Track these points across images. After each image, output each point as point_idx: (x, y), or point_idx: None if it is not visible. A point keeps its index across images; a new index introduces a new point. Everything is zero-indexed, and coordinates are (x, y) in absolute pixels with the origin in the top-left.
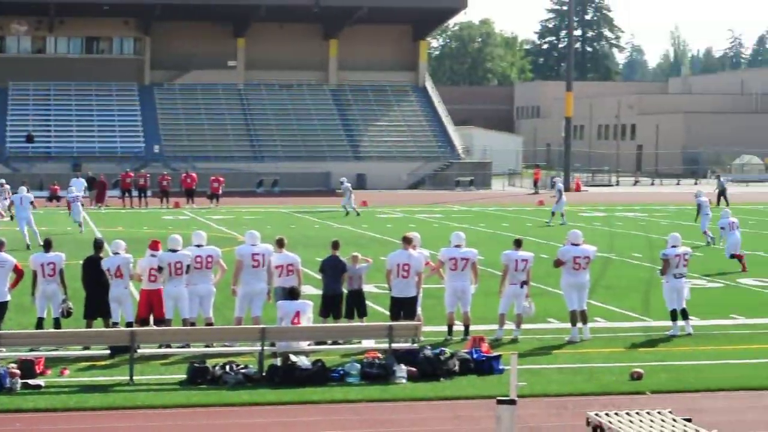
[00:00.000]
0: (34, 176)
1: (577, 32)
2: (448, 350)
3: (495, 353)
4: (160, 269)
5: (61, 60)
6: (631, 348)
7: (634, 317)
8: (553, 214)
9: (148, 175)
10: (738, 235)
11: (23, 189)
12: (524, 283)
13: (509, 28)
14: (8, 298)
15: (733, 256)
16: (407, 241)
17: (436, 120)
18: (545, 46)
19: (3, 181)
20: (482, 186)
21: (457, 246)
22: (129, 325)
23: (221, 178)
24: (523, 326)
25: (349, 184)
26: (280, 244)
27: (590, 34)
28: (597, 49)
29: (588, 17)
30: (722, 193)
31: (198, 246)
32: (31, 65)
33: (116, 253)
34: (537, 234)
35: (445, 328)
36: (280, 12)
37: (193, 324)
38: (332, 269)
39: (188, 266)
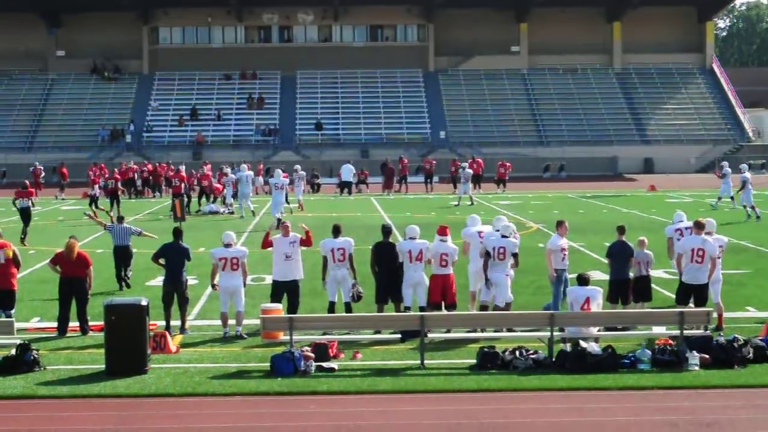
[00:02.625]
0: (324, 163)
1: None
2: (741, 337)
3: None
4: (487, 254)
5: (346, 48)
6: None
7: None
8: (732, 198)
9: (435, 162)
10: None
11: (244, 167)
12: None
13: None
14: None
15: None
16: (699, 227)
17: (725, 102)
18: None
19: (298, 167)
20: None
21: None
22: (422, 309)
23: (508, 164)
24: None
25: (471, 171)
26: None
27: None
28: None
29: None
30: None
31: (497, 231)
32: (317, 54)
33: (411, 238)
34: None
35: (738, 314)
36: None
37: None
38: (619, 254)
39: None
